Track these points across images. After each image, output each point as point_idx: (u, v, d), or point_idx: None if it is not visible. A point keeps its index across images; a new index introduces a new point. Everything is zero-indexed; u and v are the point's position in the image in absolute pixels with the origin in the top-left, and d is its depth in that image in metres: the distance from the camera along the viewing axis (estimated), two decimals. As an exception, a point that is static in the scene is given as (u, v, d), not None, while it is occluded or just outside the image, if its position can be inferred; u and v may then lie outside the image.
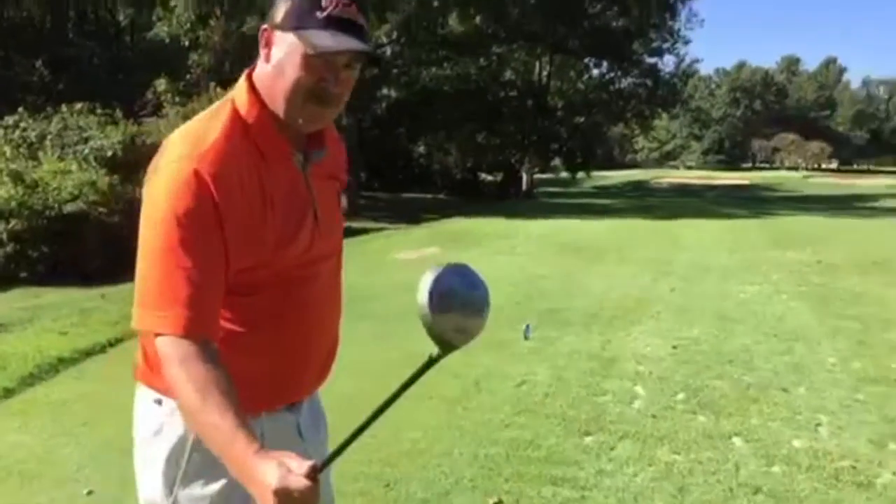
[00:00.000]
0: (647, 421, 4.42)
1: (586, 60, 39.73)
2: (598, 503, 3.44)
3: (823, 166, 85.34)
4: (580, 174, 42.95)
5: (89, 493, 3.48)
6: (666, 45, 39.82)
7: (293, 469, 1.18)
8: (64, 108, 15.38)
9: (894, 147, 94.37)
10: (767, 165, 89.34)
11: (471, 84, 35.64)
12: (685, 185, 54.11)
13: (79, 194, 12.50)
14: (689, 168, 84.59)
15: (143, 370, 1.56)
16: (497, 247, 12.38)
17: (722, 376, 5.28)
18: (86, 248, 11.71)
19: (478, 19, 34.61)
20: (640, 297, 8.12)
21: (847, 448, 4.05)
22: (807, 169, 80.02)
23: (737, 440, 4.16)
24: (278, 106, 1.44)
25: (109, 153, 13.62)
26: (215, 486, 1.50)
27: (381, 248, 12.45)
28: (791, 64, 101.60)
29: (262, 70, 1.47)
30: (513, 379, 5.15)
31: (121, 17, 30.33)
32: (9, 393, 4.88)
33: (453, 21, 34.65)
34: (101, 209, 12.45)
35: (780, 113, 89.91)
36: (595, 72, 41.07)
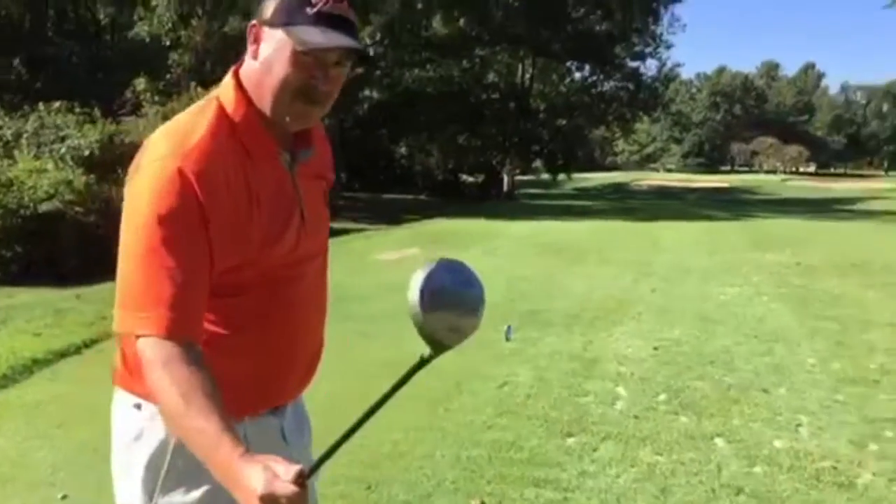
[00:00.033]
0: (629, 422, 4.41)
1: (569, 64, 40.00)
2: (581, 505, 3.42)
3: (801, 170, 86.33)
4: (561, 176, 43.21)
5: (63, 497, 3.41)
6: (648, 50, 40.18)
7: (280, 474, 1.13)
8: (41, 106, 15.18)
9: (871, 151, 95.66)
10: (746, 169, 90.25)
11: (453, 86, 35.75)
12: (665, 187, 54.46)
13: (55, 193, 12.30)
14: (669, 171, 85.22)
15: (121, 374, 1.51)
16: (478, 248, 12.34)
17: (703, 377, 5.29)
18: (61, 248, 11.54)
19: (461, 22, 34.75)
20: (622, 299, 8.13)
21: (828, 448, 4.05)
22: (785, 172, 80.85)
23: (719, 441, 4.15)
24: (265, 104, 1.41)
25: (86, 152, 13.45)
26: (196, 494, 1.46)
27: (361, 249, 12.38)
28: (770, 69, 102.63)
29: (249, 67, 1.43)
30: (494, 380, 5.13)
31: (101, 16, 30.05)
32: (-19, 394, 4.79)
33: (437, 23, 34.78)
34: (77, 209, 12.26)
35: (759, 117, 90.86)
36: (577, 75, 41.41)
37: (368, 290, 8.06)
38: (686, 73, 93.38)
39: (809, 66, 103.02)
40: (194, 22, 22.94)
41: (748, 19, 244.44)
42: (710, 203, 34.19)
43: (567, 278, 9.51)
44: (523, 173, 44.49)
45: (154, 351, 1.28)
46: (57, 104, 15.14)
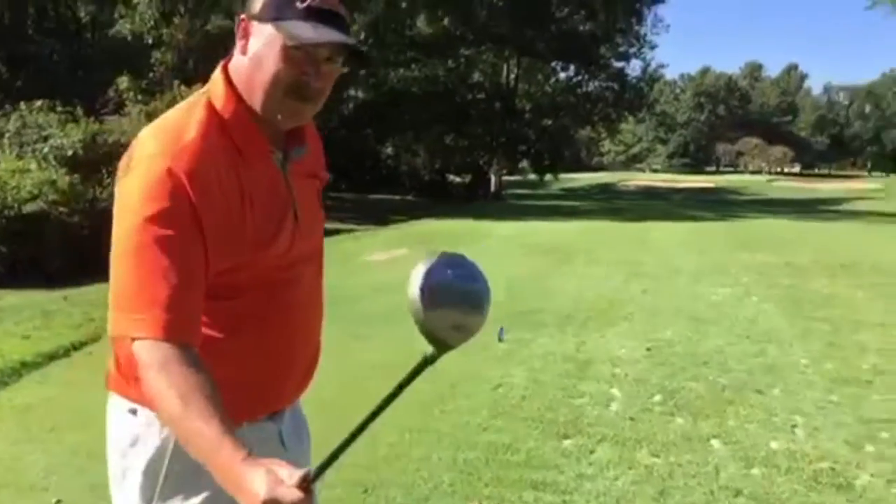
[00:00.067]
0: (625, 423, 4.38)
1: (554, 64, 40.06)
2: (580, 508, 3.39)
3: (786, 170, 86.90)
4: (548, 176, 43.26)
5: (57, 501, 3.36)
6: (632, 50, 40.30)
7: (284, 478, 1.09)
8: (23, 105, 15.03)
9: (854, 152, 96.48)
10: (732, 169, 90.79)
11: (439, 86, 35.75)
12: (651, 187, 54.72)
13: (38, 193, 12.22)
14: (655, 171, 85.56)
15: (115, 379, 1.47)
16: (467, 248, 12.21)
17: (697, 378, 5.28)
18: (46, 249, 11.46)
19: (446, 21, 34.71)
20: (613, 299, 8.12)
21: (825, 449, 4.04)
22: (770, 173, 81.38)
23: (715, 442, 4.14)
24: (256, 100, 1.37)
25: (70, 152, 13.32)
26: (195, 500, 1.42)
27: (350, 250, 12.33)
28: (754, 70, 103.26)
29: (238, 62, 1.39)
30: (489, 381, 5.10)
31: (81, 14, 29.79)
32: (-29, 398, 4.72)
33: (421, 23, 34.74)
34: (61, 209, 12.16)
35: (743, 118, 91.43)
36: (562, 75, 41.52)
37: (359, 291, 8.01)
38: (670, 74, 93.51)
39: (792, 67, 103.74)
40: (176, 20, 22.78)
41: (730, 21, 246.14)
42: (697, 203, 34.37)
43: (557, 279, 9.49)
44: (510, 173, 44.57)
45: (150, 354, 1.24)
46: (39, 103, 15.01)
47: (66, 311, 7.10)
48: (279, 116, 1.38)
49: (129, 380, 1.40)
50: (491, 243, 13.48)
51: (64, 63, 26.29)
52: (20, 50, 25.44)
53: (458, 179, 38.98)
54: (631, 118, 52.14)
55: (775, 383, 5.18)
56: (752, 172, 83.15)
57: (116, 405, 1.48)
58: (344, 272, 9.45)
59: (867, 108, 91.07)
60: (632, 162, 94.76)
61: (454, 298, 1.13)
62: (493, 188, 36.14)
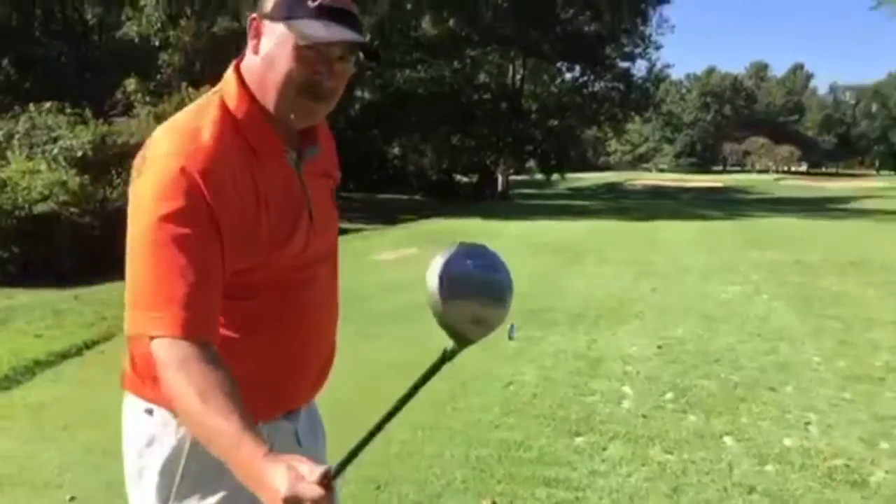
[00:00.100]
0: (637, 421, 4.38)
1: (559, 64, 40.01)
2: (594, 504, 3.38)
3: (793, 169, 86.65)
4: (554, 176, 43.20)
5: (72, 499, 3.37)
6: (638, 50, 40.23)
7: (305, 475, 1.07)
8: (32, 107, 15.08)
9: (861, 151, 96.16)
10: (739, 168, 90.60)
11: (444, 86, 35.75)
12: (659, 187, 54.62)
13: (49, 194, 12.27)
14: (662, 171, 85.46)
15: (131, 378, 1.47)
16: (476, 248, 12.28)
17: (709, 376, 5.26)
18: (57, 249, 11.50)
19: (451, 22, 34.72)
20: (623, 298, 8.11)
21: (839, 447, 4.03)
22: (777, 172, 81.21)
23: (728, 439, 4.12)
24: (269, 100, 1.36)
25: (79, 153, 13.34)
26: (212, 500, 1.41)
27: (359, 249, 12.35)
28: (759, 70, 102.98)
29: (250, 62, 1.38)
30: (500, 379, 5.09)
31: (88, 16, 29.89)
32: (-16, 396, 4.74)
33: (427, 24, 34.75)
34: (72, 209, 12.20)
35: (749, 117, 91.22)
36: (568, 75, 41.43)
37: (369, 291, 8.02)
38: (676, 74, 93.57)
39: (798, 67, 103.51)
40: (183, 22, 22.84)
41: (736, 21, 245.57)
42: (705, 202, 34.29)
43: (567, 278, 9.49)
44: (517, 173, 44.53)
45: (169, 352, 1.23)
46: (47, 105, 15.06)
47: (78, 311, 7.11)
48: (292, 116, 1.38)
49: (144, 379, 1.40)
50: (501, 242, 13.42)
51: (72, 65, 26.35)
52: (28, 52, 25.52)
53: (465, 179, 38.95)
54: (637, 118, 52.08)
55: (788, 381, 5.16)
56: (760, 171, 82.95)
57: (132, 405, 1.47)
58: (353, 271, 9.45)
59: (874, 108, 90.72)
60: (638, 161, 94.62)
61: (474, 289, 1.10)
62: (500, 188, 36.14)
